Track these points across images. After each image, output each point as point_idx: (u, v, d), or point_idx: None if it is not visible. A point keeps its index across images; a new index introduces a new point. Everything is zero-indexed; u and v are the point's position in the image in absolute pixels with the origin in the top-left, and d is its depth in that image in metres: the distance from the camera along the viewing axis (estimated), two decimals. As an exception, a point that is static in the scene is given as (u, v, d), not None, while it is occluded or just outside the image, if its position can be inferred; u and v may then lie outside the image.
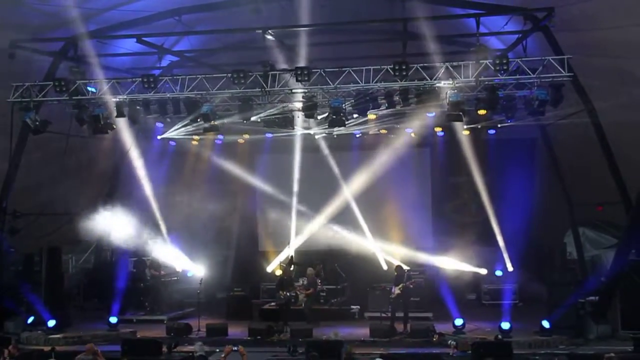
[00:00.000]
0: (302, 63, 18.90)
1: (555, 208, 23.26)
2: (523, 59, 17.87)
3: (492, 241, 24.11)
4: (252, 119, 20.32)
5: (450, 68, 17.92)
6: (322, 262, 24.33)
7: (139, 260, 25.14)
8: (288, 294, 21.55)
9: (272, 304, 23.00)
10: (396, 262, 22.51)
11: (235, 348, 14.72)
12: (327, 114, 19.81)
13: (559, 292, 19.69)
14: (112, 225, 25.30)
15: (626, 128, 18.44)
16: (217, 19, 21.51)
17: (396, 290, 20.59)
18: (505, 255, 24.02)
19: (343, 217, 25.19)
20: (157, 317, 23.00)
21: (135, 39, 20.42)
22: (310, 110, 19.33)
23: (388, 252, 24.85)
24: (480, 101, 18.74)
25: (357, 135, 24.11)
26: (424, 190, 26.35)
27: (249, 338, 19.84)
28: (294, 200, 25.71)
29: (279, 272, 23.79)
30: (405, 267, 21.81)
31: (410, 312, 20.82)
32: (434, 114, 19.44)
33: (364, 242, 25.06)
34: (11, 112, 19.70)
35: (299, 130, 22.94)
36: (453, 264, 23.44)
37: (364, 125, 22.34)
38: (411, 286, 20.75)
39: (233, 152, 26.25)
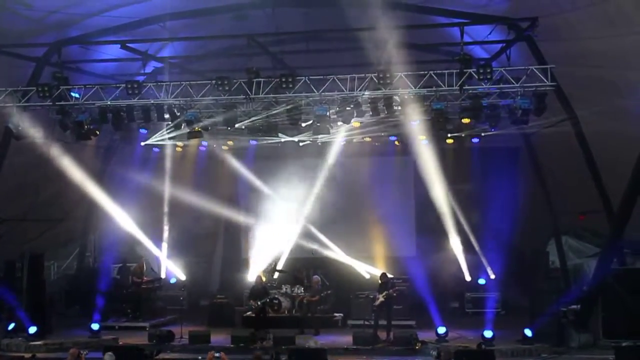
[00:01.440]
0: (286, 70, 18.86)
1: (538, 217, 23.32)
2: (507, 68, 17.91)
3: (475, 249, 24.19)
4: (237, 125, 20.27)
5: (434, 76, 17.96)
6: (306, 269, 24.25)
7: (123, 266, 25.00)
8: (259, 303, 21.46)
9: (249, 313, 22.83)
10: (379, 271, 22.49)
11: (217, 355, 14.69)
12: (311, 122, 19.80)
13: (541, 301, 19.76)
14: (95, 231, 25.27)
15: (608, 137, 18.53)
16: (202, 26, 21.48)
17: (380, 298, 20.57)
18: (488, 264, 24.10)
19: (326, 225, 25.18)
20: (139, 324, 22.81)
21: (119, 45, 20.35)
22: (294, 117, 19.34)
23: (368, 261, 24.89)
24: (464, 110, 18.78)
25: (342, 143, 24.10)
26: (408, 197, 26.32)
27: (231, 345, 19.71)
28: (278, 208, 25.70)
29: (263, 279, 23.68)
30: (389, 275, 21.79)
31: (393, 320, 20.76)
32: (417, 122, 19.46)
33: (342, 256, 25.16)
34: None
35: (283, 138, 22.92)
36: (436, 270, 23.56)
37: (349, 133, 22.33)
38: (394, 294, 20.70)
39: (217, 159, 26.16)
